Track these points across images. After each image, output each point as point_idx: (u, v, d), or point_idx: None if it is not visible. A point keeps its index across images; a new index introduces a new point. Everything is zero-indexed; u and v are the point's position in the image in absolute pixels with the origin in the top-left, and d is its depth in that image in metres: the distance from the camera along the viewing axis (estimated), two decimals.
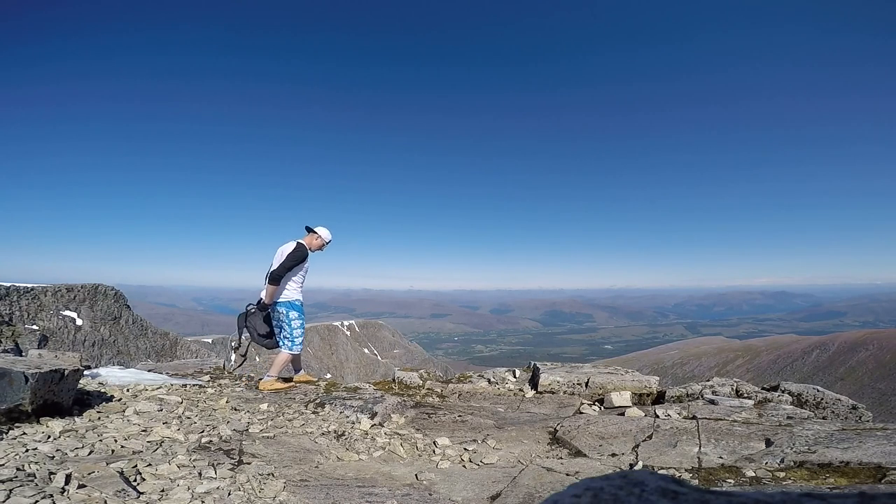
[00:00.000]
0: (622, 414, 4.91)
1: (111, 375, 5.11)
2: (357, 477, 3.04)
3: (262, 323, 5.71)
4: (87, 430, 3.10)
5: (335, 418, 4.30)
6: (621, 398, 5.50)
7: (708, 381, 6.03)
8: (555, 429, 4.43)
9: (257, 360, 47.86)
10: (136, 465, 2.55)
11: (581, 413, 5.21)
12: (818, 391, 5.35)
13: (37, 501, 1.97)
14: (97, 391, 4.27)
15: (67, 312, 24.87)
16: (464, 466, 3.48)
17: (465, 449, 3.82)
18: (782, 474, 3.09)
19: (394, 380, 6.70)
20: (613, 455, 3.70)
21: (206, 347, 38.42)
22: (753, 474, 3.12)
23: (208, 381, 5.68)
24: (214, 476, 2.58)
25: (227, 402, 4.43)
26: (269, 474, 2.80)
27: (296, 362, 5.94)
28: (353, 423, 4.17)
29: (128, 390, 4.50)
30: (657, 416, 4.62)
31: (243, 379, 6.18)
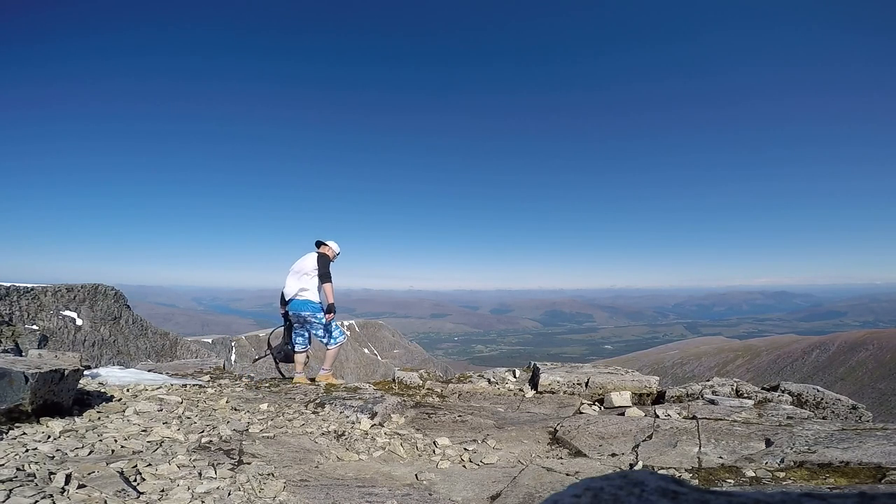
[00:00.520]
0: (622, 414, 4.91)
1: (111, 375, 5.11)
2: (357, 477, 3.04)
3: (285, 346, 6.26)
4: (87, 430, 3.10)
5: (335, 418, 4.30)
6: (621, 398, 5.50)
7: (708, 381, 6.03)
8: (555, 429, 4.43)
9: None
10: (136, 465, 2.55)
11: (581, 413, 5.21)
12: (818, 391, 5.35)
13: (37, 501, 1.97)
14: (97, 391, 4.27)
15: (67, 312, 24.87)
16: (464, 466, 3.48)
17: (465, 449, 3.82)
18: (782, 474, 3.09)
19: (394, 380, 6.70)
20: (613, 455, 3.70)
21: (206, 347, 38.42)
22: (753, 474, 3.12)
23: (208, 381, 5.68)
24: (214, 476, 2.58)
25: (227, 402, 4.43)
26: (269, 474, 2.79)
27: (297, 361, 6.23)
28: (353, 423, 4.17)
29: (128, 390, 4.50)
30: (657, 416, 4.62)
31: (243, 379, 6.18)
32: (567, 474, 3.26)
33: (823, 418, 4.78)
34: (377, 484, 2.93)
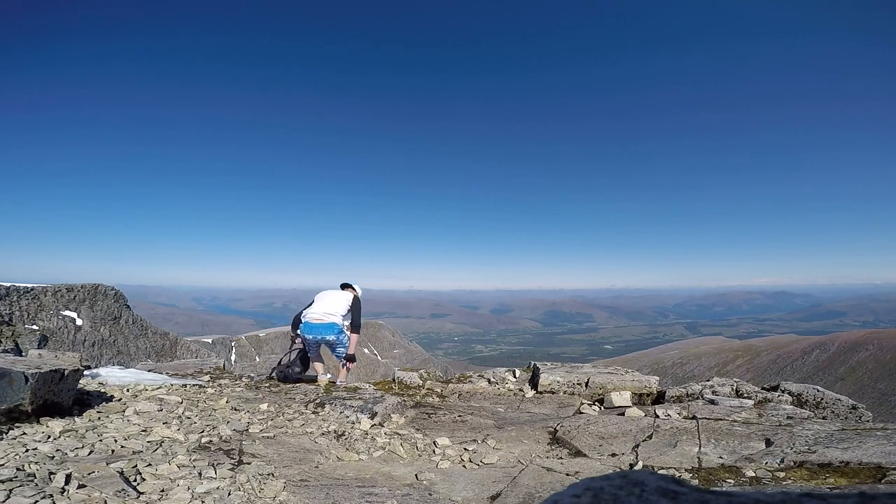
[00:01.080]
0: (622, 414, 4.91)
1: (111, 375, 5.11)
2: (357, 477, 3.04)
3: (287, 368, 6.23)
4: (87, 430, 3.10)
5: (335, 418, 4.30)
6: (621, 398, 5.50)
7: (708, 381, 6.03)
8: (555, 429, 4.43)
9: (257, 360, 47.84)
10: (136, 465, 2.55)
11: (581, 413, 5.21)
12: (818, 391, 5.35)
13: (37, 501, 1.97)
14: (97, 391, 4.27)
15: (67, 312, 24.87)
16: (464, 466, 3.48)
17: (465, 449, 3.82)
18: (782, 474, 3.09)
19: (394, 380, 6.70)
20: (613, 455, 3.70)
21: (206, 347, 38.42)
22: (753, 474, 3.12)
23: (208, 381, 5.68)
24: (214, 476, 2.58)
25: (227, 402, 4.43)
26: (269, 474, 2.79)
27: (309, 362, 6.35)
28: (353, 423, 4.16)
29: (128, 390, 4.50)
30: (657, 416, 4.62)
31: (243, 379, 6.18)
32: (567, 474, 3.26)
33: (823, 418, 4.78)
34: (377, 484, 2.93)
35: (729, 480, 3.07)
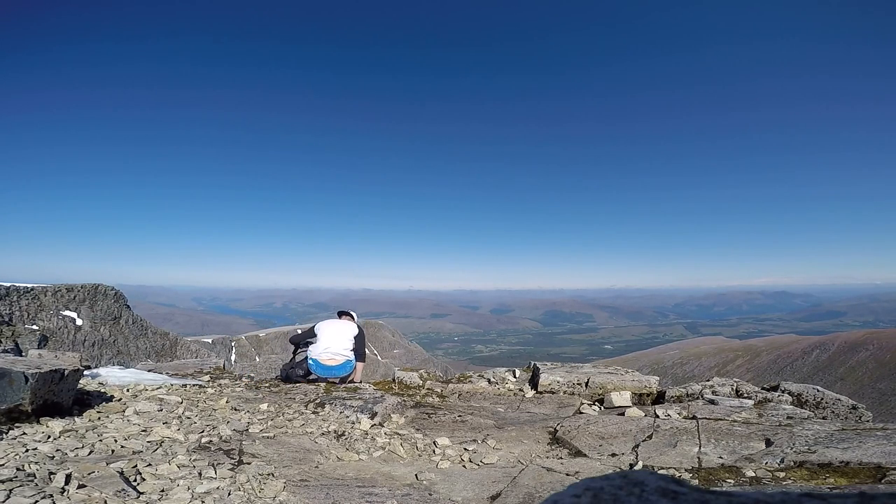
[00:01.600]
0: (622, 414, 4.91)
1: (111, 375, 5.11)
2: (357, 477, 3.04)
3: (291, 370, 6.33)
4: (87, 430, 3.10)
5: (335, 418, 4.30)
6: (621, 398, 5.50)
7: (708, 381, 6.03)
8: (555, 429, 4.43)
9: (257, 360, 47.86)
10: (136, 465, 2.55)
11: (581, 413, 5.21)
12: (818, 391, 5.35)
13: (37, 501, 1.97)
14: (97, 391, 4.27)
15: (67, 312, 24.87)
16: (464, 466, 3.48)
17: (465, 449, 3.82)
18: (782, 474, 3.10)
19: (394, 380, 6.70)
20: (613, 455, 3.70)
21: (206, 347, 38.42)
22: (753, 474, 3.12)
23: (208, 381, 5.68)
24: (214, 476, 2.58)
25: (227, 402, 4.43)
26: (269, 474, 2.79)
27: None
28: (353, 423, 4.16)
29: (128, 390, 4.50)
30: (657, 416, 4.62)
31: (243, 379, 6.19)
32: (567, 474, 3.26)
33: (823, 418, 4.78)
34: (377, 484, 2.93)
35: (729, 480, 3.08)
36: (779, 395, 5.35)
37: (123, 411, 3.70)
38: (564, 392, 6.16)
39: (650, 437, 4.03)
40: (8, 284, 22.95)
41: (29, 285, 23.99)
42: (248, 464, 2.93)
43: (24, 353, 7.53)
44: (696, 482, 3.09)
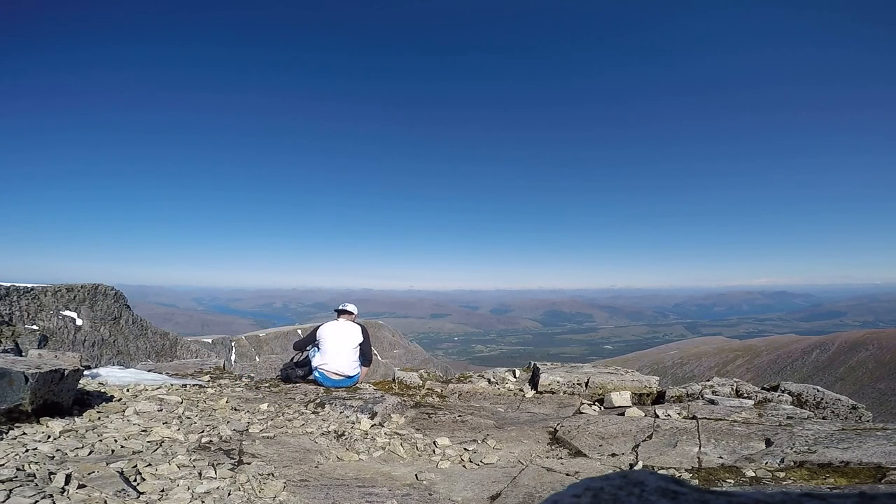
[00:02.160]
0: (622, 414, 4.91)
1: (111, 375, 5.11)
2: (357, 477, 3.04)
3: (291, 370, 6.22)
4: (87, 430, 3.10)
5: (335, 418, 4.30)
6: (621, 398, 5.50)
7: (708, 381, 6.03)
8: (555, 429, 4.43)
9: (257, 360, 47.85)
10: (136, 465, 2.55)
11: (581, 413, 5.21)
12: (818, 391, 5.35)
13: (37, 501, 1.97)
14: (97, 391, 4.27)
15: (67, 312, 24.86)
16: (464, 466, 3.48)
17: (465, 449, 3.82)
18: (782, 474, 3.09)
19: (394, 380, 6.70)
20: (613, 455, 3.70)
21: (206, 347, 38.41)
22: (753, 474, 3.12)
23: (208, 381, 5.68)
24: (214, 476, 2.58)
25: (227, 402, 4.43)
26: (269, 474, 2.79)
27: None
28: (353, 423, 4.17)
29: (128, 390, 4.50)
30: (657, 416, 4.62)
31: (243, 379, 6.18)
32: (567, 474, 3.26)
33: (823, 418, 4.78)
34: (377, 484, 2.93)
35: (729, 480, 3.07)
36: (779, 395, 5.35)
37: (123, 411, 3.70)
38: (564, 392, 6.16)
39: (650, 437, 4.03)
40: (8, 284, 22.95)
41: (29, 285, 23.98)
42: (248, 464, 2.93)
43: (24, 353, 7.54)
44: (696, 482, 3.09)
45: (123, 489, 2.21)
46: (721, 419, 4.41)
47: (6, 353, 5.46)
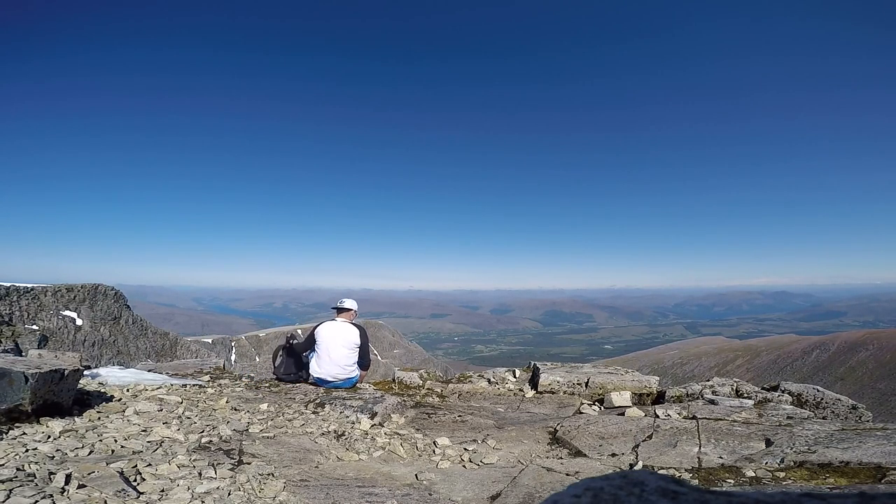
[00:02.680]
0: (622, 414, 4.91)
1: (111, 375, 5.11)
2: (357, 477, 3.04)
3: (295, 361, 6.08)
4: (87, 430, 3.10)
5: (335, 418, 4.30)
6: (621, 398, 5.50)
7: (708, 381, 6.03)
8: (555, 429, 4.43)
9: (257, 360, 47.83)
10: (136, 465, 2.55)
11: (581, 413, 5.21)
12: (818, 391, 5.35)
13: (37, 501, 1.97)
14: (97, 391, 4.27)
15: (67, 312, 24.86)
16: (464, 466, 3.48)
17: (465, 449, 3.82)
18: (782, 474, 3.09)
19: (394, 380, 6.70)
20: (613, 455, 3.71)
21: (206, 347, 38.41)
22: (753, 474, 3.12)
23: (208, 381, 5.68)
24: (214, 476, 2.58)
25: (227, 402, 4.43)
26: (269, 474, 2.79)
27: None
28: (353, 423, 4.17)
29: (128, 390, 4.50)
30: (657, 416, 4.62)
31: (243, 379, 6.18)
32: (567, 474, 3.26)
33: (823, 418, 4.78)
34: (377, 484, 2.93)
35: (729, 480, 3.08)
36: (779, 395, 5.35)
37: (123, 411, 3.70)
38: (564, 392, 6.16)
39: (650, 437, 4.03)
40: (8, 284, 22.95)
41: (29, 285, 23.98)
42: (248, 464, 2.93)
43: (24, 353, 7.54)
44: (696, 482, 3.09)
45: (123, 489, 2.21)
46: (721, 419, 4.41)
47: (6, 353, 5.46)
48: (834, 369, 58.15)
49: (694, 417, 4.51)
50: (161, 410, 3.85)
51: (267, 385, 5.69)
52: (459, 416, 4.98)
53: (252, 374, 6.84)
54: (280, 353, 6.24)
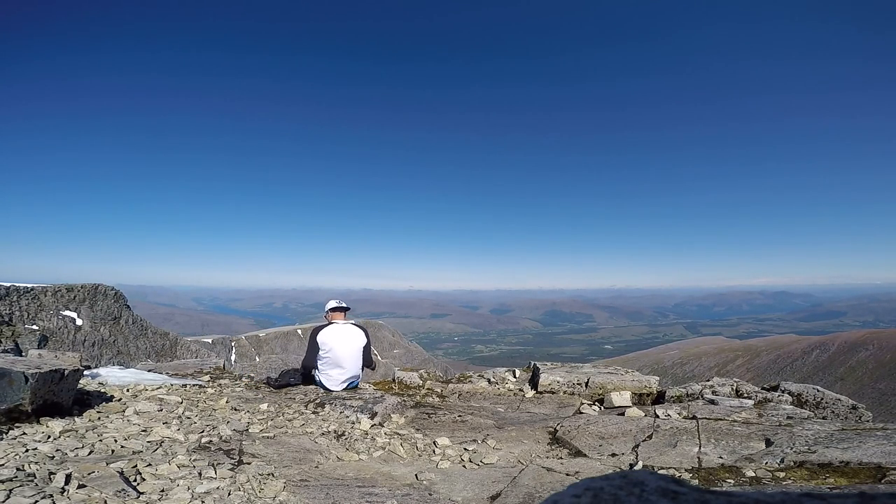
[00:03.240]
0: (622, 414, 4.91)
1: (111, 375, 5.11)
2: (357, 477, 3.04)
3: (277, 380, 5.95)
4: (87, 430, 3.10)
5: (335, 418, 4.31)
6: (621, 398, 5.50)
7: (708, 381, 6.03)
8: (555, 429, 4.43)
9: (257, 360, 47.84)
10: (136, 465, 2.55)
11: (581, 413, 5.21)
12: (818, 391, 5.35)
13: (37, 501, 1.97)
14: (97, 391, 4.27)
15: (67, 312, 24.87)
16: (464, 466, 3.48)
17: (465, 449, 3.82)
18: (782, 474, 3.09)
19: (394, 380, 6.70)
20: (613, 455, 3.71)
21: (206, 347, 38.41)
22: (753, 474, 3.12)
23: (208, 381, 5.68)
24: (214, 476, 2.58)
25: (227, 402, 4.43)
26: (269, 474, 2.79)
27: None
28: (353, 423, 4.17)
29: (128, 390, 4.50)
30: (657, 416, 4.62)
31: (243, 379, 6.18)
32: (567, 474, 3.26)
33: (823, 418, 4.78)
34: (377, 484, 2.93)
35: (729, 480, 3.08)
36: (779, 395, 5.35)
37: (123, 411, 3.70)
38: (564, 392, 6.16)
39: (650, 437, 4.03)
40: (8, 284, 22.95)
41: (29, 285, 23.98)
42: (248, 464, 2.93)
43: (24, 353, 7.54)
44: (696, 482, 3.09)
45: (123, 489, 2.21)
46: (721, 419, 4.41)
47: (6, 353, 5.46)
48: (834, 369, 58.15)
49: (694, 417, 4.51)
50: (161, 410, 3.85)
51: (267, 385, 5.69)
52: (459, 416, 4.98)
53: (252, 374, 6.84)
54: (290, 376, 5.94)
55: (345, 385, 5.49)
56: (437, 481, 3.10)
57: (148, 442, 3.03)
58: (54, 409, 3.32)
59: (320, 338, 5.45)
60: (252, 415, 4.13)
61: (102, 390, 4.35)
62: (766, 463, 3.29)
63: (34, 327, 22.39)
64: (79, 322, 25.14)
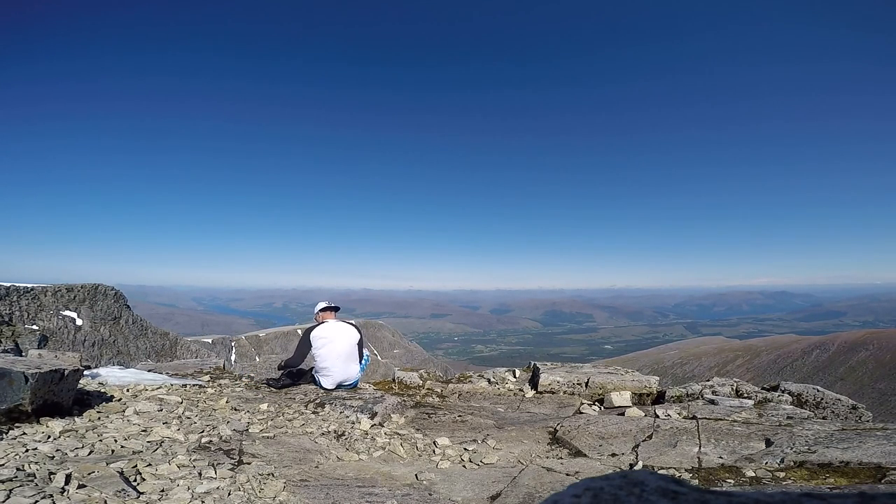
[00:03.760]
0: (622, 414, 4.91)
1: (111, 375, 5.11)
2: (357, 477, 3.04)
3: (278, 382, 5.85)
4: (87, 430, 3.10)
5: (335, 418, 4.31)
6: (621, 398, 5.50)
7: (708, 381, 6.03)
8: (555, 429, 4.43)
9: (257, 360, 47.83)
10: (136, 465, 2.55)
11: (581, 413, 5.21)
12: (818, 391, 5.35)
13: (37, 501, 1.97)
14: (97, 391, 4.27)
15: (67, 312, 24.86)
16: (464, 466, 3.48)
17: (465, 449, 3.82)
18: (782, 474, 3.09)
19: (394, 380, 6.70)
20: (613, 455, 3.71)
21: (206, 347, 38.41)
22: (753, 474, 3.12)
23: (208, 381, 5.68)
24: (214, 476, 2.58)
25: (227, 402, 4.43)
26: (269, 474, 2.80)
27: None
28: (353, 423, 4.17)
29: (128, 390, 4.50)
30: (657, 416, 4.62)
31: (243, 379, 6.18)
32: (567, 474, 3.26)
33: (823, 418, 4.78)
34: (377, 484, 2.93)
35: (729, 480, 3.08)
36: (779, 395, 5.35)
37: (123, 411, 3.70)
38: (564, 392, 6.16)
39: (650, 437, 4.03)
40: (8, 284, 22.95)
41: (29, 285, 23.99)
42: (248, 464, 2.93)
43: (24, 353, 7.54)
44: (696, 482, 3.09)
45: (123, 489, 2.21)
46: (721, 419, 4.41)
47: (6, 353, 5.46)
48: (834, 369, 58.14)
49: (694, 417, 4.51)
50: (161, 410, 3.85)
51: (267, 385, 5.69)
52: (459, 416, 4.98)
53: (252, 374, 6.83)
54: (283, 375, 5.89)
55: (342, 381, 5.49)
56: (437, 481, 3.10)
57: (148, 442, 3.03)
58: (54, 409, 3.32)
59: (314, 335, 5.52)
60: (252, 415, 4.13)
61: (102, 390, 4.35)
62: (766, 463, 3.29)
63: (34, 327, 22.39)
64: (79, 322, 25.14)
